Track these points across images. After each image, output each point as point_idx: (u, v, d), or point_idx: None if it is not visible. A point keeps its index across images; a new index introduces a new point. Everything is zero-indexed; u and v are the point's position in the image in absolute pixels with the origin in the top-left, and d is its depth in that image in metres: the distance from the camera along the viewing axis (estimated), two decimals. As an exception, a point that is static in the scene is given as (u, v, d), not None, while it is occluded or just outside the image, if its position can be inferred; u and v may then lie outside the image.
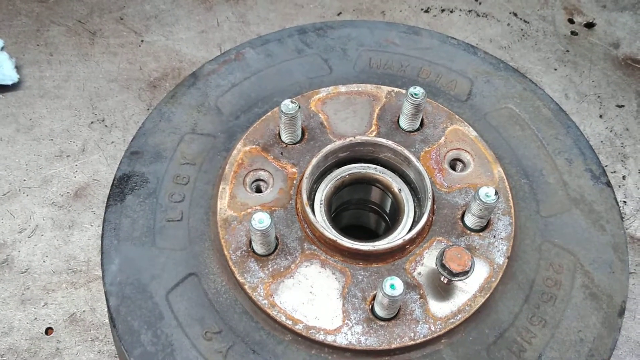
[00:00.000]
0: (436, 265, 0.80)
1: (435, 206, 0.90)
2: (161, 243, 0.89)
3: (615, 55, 1.36)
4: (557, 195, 0.94)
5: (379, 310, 0.80)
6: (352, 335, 0.80)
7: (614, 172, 1.21)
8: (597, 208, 0.93)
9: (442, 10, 1.45)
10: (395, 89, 1.01)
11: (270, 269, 0.84)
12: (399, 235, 0.88)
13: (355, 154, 0.95)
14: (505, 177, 0.93)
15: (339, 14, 1.45)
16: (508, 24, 1.41)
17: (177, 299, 0.84)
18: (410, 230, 0.88)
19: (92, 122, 1.26)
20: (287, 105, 0.90)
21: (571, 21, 1.43)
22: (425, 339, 0.80)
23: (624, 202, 1.18)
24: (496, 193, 0.83)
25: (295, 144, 0.95)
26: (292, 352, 0.81)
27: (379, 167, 0.96)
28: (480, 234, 0.88)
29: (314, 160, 0.90)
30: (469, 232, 0.88)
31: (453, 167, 0.95)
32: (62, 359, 0.99)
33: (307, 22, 1.17)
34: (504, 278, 0.85)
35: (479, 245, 0.87)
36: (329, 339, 0.80)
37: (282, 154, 0.94)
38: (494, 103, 1.04)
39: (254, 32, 1.39)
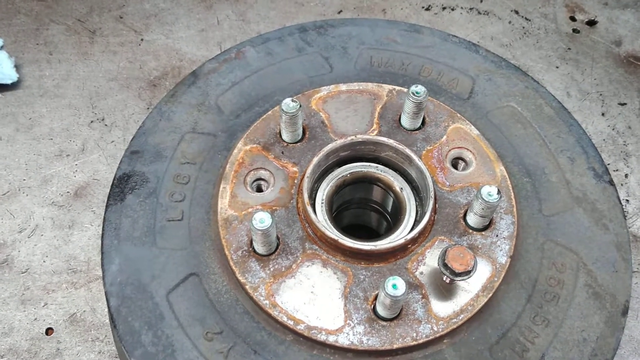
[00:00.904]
0: (438, 265, 0.80)
1: (437, 205, 0.89)
2: (162, 243, 0.88)
3: (617, 53, 1.35)
4: (559, 194, 0.94)
5: (381, 310, 0.80)
6: (354, 336, 0.79)
7: (617, 170, 1.20)
8: (600, 207, 0.93)
9: (444, 8, 1.44)
10: (397, 88, 1.00)
11: (272, 269, 0.84)
12: (401, 235, 0.88)
13: (356, 153, 0.94)
14: (507, 176, 0.92)
15: (339, 12, 1.44)
16: (509, 22, 1.41)
17: (177, 299, 0.84)
18: (412, 229, 0.87)
19: (92, 121, 1.25)
20: (288, 104, 0.89)
21: (573, 19, 1.42)
22: (427, 339, 0.80)
23: (627, 200, 1.18)
24: (499, 192, 0.82)
25: (296, 143, 0.94)
26: (294, 353, 0.80)
27: (380, 166, 0.95)
28: (483, 233, 0.87)
29: (315, 160, 0.90)
30: (471, 231, 0.87)
31: (455, 166, 0.94)
32: (62, 359, 0.99)
33: (308, 21, 1.16)
34: (506, 277, 0.85)
35: (481, 245, 0.86)
36: (331, 339, 0.79)
37: (282, 153, 0.93)
38: (496, 101, 1.03)
39: (254, 31, 1.38)
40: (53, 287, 1.06)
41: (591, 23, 1.41)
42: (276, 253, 0.85)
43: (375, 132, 0.96)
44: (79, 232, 1.12)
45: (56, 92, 1.29)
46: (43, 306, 1.04)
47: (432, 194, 0.87)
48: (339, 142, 0.92)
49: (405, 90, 0.99)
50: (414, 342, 0.79)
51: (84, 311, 1.04)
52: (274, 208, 0.88)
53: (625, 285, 0.86)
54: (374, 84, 1.01)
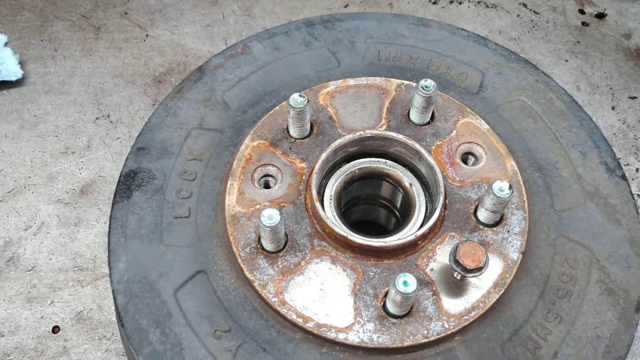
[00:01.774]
0: (449, 262, 0.79)
1: (447, 201, 0.88)
2: (169, 240, 0.87)
3: (627, 46, 1.34)
4: (571, 189, 0.92)
5: (391, 308, 0.79)
6: (364, 333, 0.78)
7: (627, 164, 1.19)
8: (613, 202, 0.91)
9: (451, 2, 1.43)
10: (405, 82, 0.99)
11: (280, 266, 0.83)
12: (411, 231, 0.87)
13: (365, 148, 0.93)
14: (518, 171, 0.91)
15: (345, 6, 1.43)
16: (518, 15, 1.39)
17: (185, 296, 0.83)
18: (422, 225, 0.86)
19: (97, 118, 1.24)
20: (296, 99, 0.88)
21: (582, 12, 1.41)
22: (438, 337, 0.79)
23: (638, 195, 1.16)
24: (510, 187, 0.81)
25: (303, 138, 0.93)
26: (303, 351, 0.79)
27: (389, 162, 0.94)
28: (494, 229, 0.86)
29: (324, 155, 0.89)
30: (482, 227, 0.86)
31: (465, 161, 0.93)
32: (69, 357, 0.98)
33: (314, 15, 1.15)
34: (518, 274, 0.84)
35: (493, 241, 0.85)
36: (341, 337, 0.78)
37: (290, 148, 0.92)
38: (506, 95, 1.02)
39: (260, 26, 1.37)
40: (59, 285, 1.05)
41: (600, 16, 1.40)
42: (284, 250, 0.84)
43: (384, 127, 0.95)
44: (85, 229, 1.11)
45: (61, 88, 1.29)
46: (49, 304, 1.03)
47: (442, 189, 0.86)
48: (348, 137, 0.91)
49: (414, 84, 0.98)
50: (425, 340, 0.78)
51: (91, 309, 1.03)
52: (282, 204, 0.87)
53: (638, 281, 0.85)
54: (382, 79, 0.99)
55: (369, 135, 0.92)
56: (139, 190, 0.91)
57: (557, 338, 0.81)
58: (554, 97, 1.02)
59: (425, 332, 0.78)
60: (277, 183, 0.90)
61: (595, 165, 0.95)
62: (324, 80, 1.01)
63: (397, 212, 1.02)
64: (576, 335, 0.81)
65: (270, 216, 0.78)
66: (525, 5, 1.41)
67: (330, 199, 0.91)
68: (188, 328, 0.81)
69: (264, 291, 0.81)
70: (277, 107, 0.96)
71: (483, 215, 0.85)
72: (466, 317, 0.80)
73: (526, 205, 0.88)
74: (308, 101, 0.88)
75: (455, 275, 0.81)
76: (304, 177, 0.90)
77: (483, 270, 0.77)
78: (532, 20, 1.38)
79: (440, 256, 0.84)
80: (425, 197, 0.91)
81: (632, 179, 1.17)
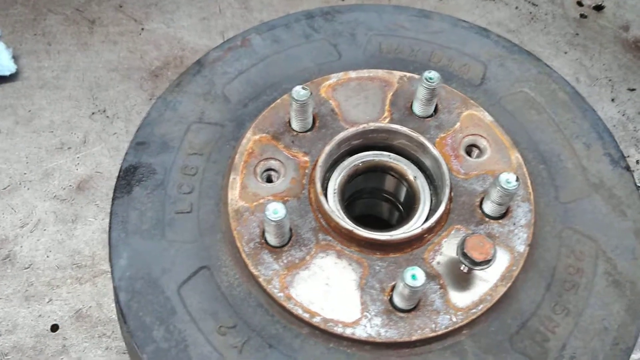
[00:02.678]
0: (457, 255, 0.78)
1: (452, 193, 0.87)
2: (171, 236, 0.86)
3: (625, 38, 1.34)
4: (576, 181, 0.92)
5: (398, 302, 0.78)
6: (372, 328, 0.78)
7: (628, 156, 1.18)
8: (617, 193, 0.91)
9: (448, -6, 1.42)
10: (408, 74, 0.98)
11: (285, 261, 0.82)
12: (416, 224, 0.86)
13: (368, 141, 0.92)
14: (523, 163, 0.90)
15: (343, -1, 1.42)
16: (516, 7, 1.39)
17: (189, 293, 0.82)
18: (427, 218, 0.85)
19: (93, 113, 1.23)
20: (299, 91, 0.87)
21: (580, 4, 1.40)
22: (446, 330, 0.78)
23: (638, 187, 1.16)
24: (517, 179, 0.80)
25: (306, 131, 0.92)
26: (310, 346, 0.78)
27: (393, 155, 0.93)
28: (500, 221, 0.85)
29: (327, 148, 0.88)
30: (488, 219, 0.85)
31: (469, 153, 0.92)
32: (68, 356, 0.97)
33: (312, 7, 1.14)
34: (525, 266, 0.83)
35: (499, 233, 0.84)
36: (348, 331, 0.77)
37: (293, 142, 0.91)
38: (509, 87, 1.01)
39: (257, 19, 1.36)
40: (57, 282, 1.04)
41: (598, 8, 1.39)
42: (289, 245, 0.83)
43: (387, 119, 0.94)
44: (83, 226, 1.09)
45: (56, 83, 1.26)
46: (48, 302, 1.02)
47: (447, 181, 0.85)
48: (351, 130, 0.90)
49: (417, 76, 0.97)
50: (433, 334, 0.77)
51: (90, 307, 1.02)
52: (285, 198, 0.86)
53: (645, 272, 0.85)
54: (384, 71, 0.98)
55: (372, 128, 0.91)
56: (139, 186, 0.90)
57: (565, 330, 0.80)
58: (557, 88, 1.01)
59: (433, 325, 0.78)
60: (280, 177, 0.89)
61: (600, 157, 0.94)
62: (325, 73, 1.00)
63: (400, 206, 1.01)
64: (584, 327, 0.81)
65: (276, 210, 0.77)
66: (523, -2, 1.41)
67: (334, 193, 0.89)
68: (193, 325, 0.80)
69: (269, 286, 0.80)
70: (278, 100, 0.95)
71: (489, 207, 0.85)
72: (474, 310, 0.79)
73: (532, 197, 0.87)
74: (311, 93, 0.87)
75: (462, 268, 0.80)
76: (307, 171, 0.89)
77: (491, 263, 0.77)
78: (530, 13, 1.37)
79: (446, 249, 0.83)
80: (430, 190, 0.90)
81: (633, 171, 1.17)
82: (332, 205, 0.87)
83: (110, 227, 0.86)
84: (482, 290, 0.80)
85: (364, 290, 0.80)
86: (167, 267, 0.84)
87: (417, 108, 0.94)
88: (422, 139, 0.89)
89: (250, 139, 0.91)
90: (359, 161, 0.92)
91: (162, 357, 0.78)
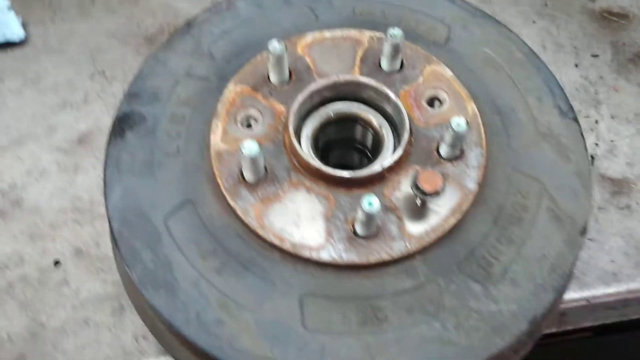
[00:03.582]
0: (411, 187, 0.88)
1: (413, 138, 0.96)
2: (159, 175, 0.96)
3: (592, 8, 1.42)
4: (527, 130, 1.01)
5: (359, 229, 0.88)
6: (335, 252, 0.88)
7: (588, 117, 1.27)
8: (564, 141, 1.00)
9: (428, -31, 1.50)
10: (377, 34, 1.07)
11: (260, 195, 0.92)
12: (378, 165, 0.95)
13: (339, 92, 1.02)
14: (478, 113, 1.00)
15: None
16: (490, -20, 1.47)
17: (174, 223, 0.92)
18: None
19: (93, 75, 1.33)
20: (275, 45, 0.96)
21: (552, -23, 1.49)
22: (401, 254, 0.88)
23: (596, 144, 1.25)
24: (467, 123, 0.90)
25: (283, 84, 1.02)
26: (280, 268, 0.88)
27: (362, 105, 1.02)
28: (453, 162, 0.95)
29: (300, 97, 0.97)
30: (443, 161, 0.95)
31: (431, 105, 1.01)
32: (69, 287, 1.08)
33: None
34: (475, 202, 0.93)
35: (452, 173, 0.94)
36: (314, 255, 0.87)
37: (270, 93, 1.01)
38: (470, 48, 1.10)
39: (247, -10, 1.45)
40: (60, 224, 1.14)
41: (569, -19, 1.47)
42: (264, 181, 0.93)
43: (357, 73, 1.03)
44: (83, 175, 1.20)
45: (60, 48, 1.37)
46: (51, 241, 1.12)
47: (407, 126, 0.95)
48: (323, 81, 1.00)
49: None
50: (389, 257, 0.87)
51: (89, 245, 1.12)
52: (262, 142, 0.95)
53: (584, 210, 0.94)
54: (356, 31, 1.08)
55: (342, 80, 1.00)
56: (131, 131, 1.00)
57: (507, 257, 0.90)
58: (515, 49, 1.10)
59: (389, 250, 0.88)
60: (259, 124, 0.98)
61: (550, 109, 1.03)
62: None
63: (369, 155, 1.11)
64: (525, 255, 0.90)
65: (250, 147, 0.87)
66: (497, -29, 1.49)
67: (308, 138, 0.99)
68: (177, 251, 0.90)
69: (245, 216, 0.90)
70: (258, 57, 1.05)
71: (444, 150, 0.94)
72: (426, 238, 0.89)
73: (484, 142, 0.97)
74: (286, 48, 0.97)
75: (417, 201, 0.90)
76: (282, 119, 0.98)
77: (440, 194, 0.86)
78: (504, -15, 1.46)
79: (404, 187, 0.92)
80: (394, 137, 1.00)
81: (592, 130, 1.26)
82: (305, 149, 0.97)
83: (105, 167, 0.96)
84: (434, 221, 0.90)
85: (330, 221, 0.90)
86: (155, 201, 0.94)
87: (384, 63, 1.03)
88: (386, 89, 0.98)
89: (232, 90, 1.01)
90: (331, 110, 1.02)
91: (150, 276, 0.88)
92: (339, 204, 0.91)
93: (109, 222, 0.92)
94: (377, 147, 1.02)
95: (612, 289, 1.06)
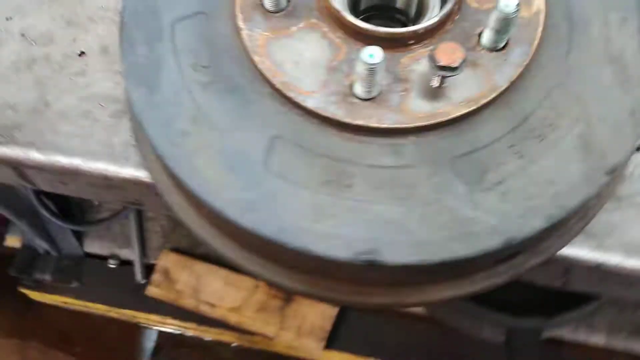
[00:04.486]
0: (427, 59, 0.77)
1: (458, 13, 0.85)
2: (181, -16, 0.91)
3: None
4: (594, 48, 0.86)
5: (357, 87, 0.79)
6: (323, 102, 0.80)
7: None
8: (632, 72, 0.85)
9: None
10: None
11: (272, 25, 0.85)
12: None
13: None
14: (544, 10, 0.85)
15: None
16: None
17: (180, 29, 0.87)
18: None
19: None
20: None
21: None
22: (391, 127, 0.79)
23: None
24: (518, 4, 0.77)
25: None
26: (263, 102, 0.82)
27: (412, -35, 0.91)
28: (492, 53, 0.83)
29: (346, -62, 0.87)
30: (481, 49, 0.83)
31: (493, -10, 0.88)
32: (84, 78, 1.08)
33: None
34: (497, 101, 0.81)
35: (486, 62, 0.82)
36: (300, 98, 0.80)
37: None
38: (569, -57, 0.94)
39: None
40: (97, 19, 1.14)
41: None
42: (283, 13, 0.86)
43: None
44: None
45: None
46: (84, 32, 1.12)
47: (454, -4, 0.83)
48: None
49: None
50: (377, 125, 0.79)
51: (116, 47, 1.11)
52: (294, -25, 0.88)
53: (621, 150, 0.80)
54: None
55: None
56: None
57: (509, 169, 0.78)
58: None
59: (381, 118, 0.79)
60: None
61: (631, 33, 0.87)
62: None
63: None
64: (530, 173, 0.78)
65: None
66: None
67: (343, -4, 0.89)
68: (172, 54, 0.86)
69: (249, 41, 0.84)
70: None
71: (486, 35, 0.82)
72: (426, 120, 0.79)
73: (535, 43, 0.83)
74: None
75: (431, 82, 0.80)
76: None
77: (456, 71, 0.76)
78: None
79: (425, 63, 0.82)
80: (440, 6, 0.88)
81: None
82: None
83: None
84: (442, 106, 0.80)
85: (331, 72, 0.82)
86: (171, 3, 0.89)
87: None
88: (446, -47, 0.86)
89: None
90: (378, -36, 0.92)
91: (137, 70, 0.85)
92: (348, 58, 0.83)
93: (121, 12, 0.89)
94: (418, 16, 0.92)
95: (632, 262, 0.92)
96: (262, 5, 0.86)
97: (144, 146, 0.91)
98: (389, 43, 0.82)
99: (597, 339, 2.16)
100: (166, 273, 2.32)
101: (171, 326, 2.40)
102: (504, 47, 0.83)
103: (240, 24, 0.85)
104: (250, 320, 2.25)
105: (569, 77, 0.84)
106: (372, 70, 0.75)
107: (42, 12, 1.14)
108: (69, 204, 2.25)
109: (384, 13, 0.98)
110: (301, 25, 0.85)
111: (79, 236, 2.39)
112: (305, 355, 2.25)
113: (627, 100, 0.83)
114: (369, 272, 0.76)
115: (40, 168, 1.02)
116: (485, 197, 0.77)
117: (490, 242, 0.74)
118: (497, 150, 0.80)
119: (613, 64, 0.85)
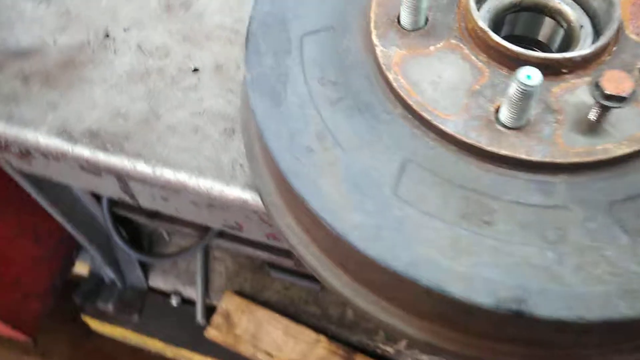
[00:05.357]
0: (590, 87, 0.69)
1: (616, 47, 0.76)
2: (316, -6, 0.87)
3: None
4: None
5: (503, 113, 0.71)
6: (463, 128, 0.72)
7: None
8: None
9: None
10: None
11: (409, 43, 0.79)
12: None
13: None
14: None
15: None
16: None
17: (309, 42, 0.83)
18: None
19: None
20: None
21: None
22: (542, 160, 0.70)
23: None
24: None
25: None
26: (396, 123, 0.75)
27: (564, -2, 0.83)
28: (659, 88, 0.73)
29: (497, -43, 0.81)
30: (645, 83, 0.74)
31: (656, 21, 0.80)
32: (196, 94, 1.05)
33: None
34: (666, 141, 0.71)
35: (651, 99, 0.72)
36: (437, 121, 0.73)
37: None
38: None
39: None
40: (214, 37, 1.12)
41: None
42: (420, 32, 0.80)
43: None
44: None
45: None
46: (199, 49, 1.10)
47: (615, 24, 0.74)
48: (530, -48, 0.82)
49: None
50: (526, 157, 0.70)
51: (230, 65, 1.08)
52: (436, -6, 0.82)
53: None
54: None
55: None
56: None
57: (680, 219, 0.67)
58: None
59: (529, 149, 0.70)
60: (438, -22, 0.84)
61: None
62: None
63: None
64: None
65: (418, -22, 0.74)
66: None
67: (487, 10, 0.83)
68: (300, 67, 0.81)
69: (383, 57, 0.78)
70: None
71: (652, 69, 0.73)
72: (583, 156, 0.70)
73: None
74: None
75: (589, 115, 0.71)
76: (466, -19, 0.83)
77: (624, 103, 0.67)
78: None
79: (581, 93, 0.73)
80: (592, 36, 0.80)
81: None
82: (479, 17, 0.81)
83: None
84: (601, 142, 0.70)
85: (474, 95, 0.75)
86: (300, 16, 0.85)
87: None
88: (605, -21, 0.78)
89: None
90: (521, -5, 0.84)
91: (263, 80, 0.80)
92: (492, 82, 0.75)
93: (249, 23, 0.86)
94: (562, 51, 0.83)
95: None
96: (398, 22, 0.80)
97: (258, 161, 0.86)
98: (540, 70, 0.74)
99: None
100: (227, 316, 2.23)
101: (225, 371, 2.30)
102: (673, 84, 0.73)
103: (375, 40, 0.79)
104: (307, 375, 2.13)
105: None
106: (526, 93, 0.67)
107: (160, 26, 1.14)
108: (140, 235, 2.25)
109: (522, 45, 0.91)
110: (440, 45, 0.79)
111: (145, 269, 2.36)
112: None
113: None
114: (508, 325, 0.66)
115: (145, 181, 0.98)
116: (652, 250, 0.66)
117: (660, 302, 0.63)
118: (663, 198, 0.69)
119: None
